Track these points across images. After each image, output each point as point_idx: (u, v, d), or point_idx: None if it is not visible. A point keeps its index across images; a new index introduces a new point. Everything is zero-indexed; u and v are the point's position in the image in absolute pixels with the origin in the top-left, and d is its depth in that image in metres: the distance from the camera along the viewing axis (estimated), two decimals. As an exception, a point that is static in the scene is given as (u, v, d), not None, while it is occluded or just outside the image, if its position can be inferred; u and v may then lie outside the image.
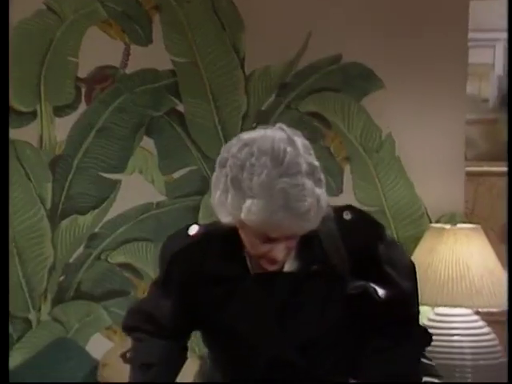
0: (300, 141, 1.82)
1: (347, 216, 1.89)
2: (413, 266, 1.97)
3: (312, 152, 1.83)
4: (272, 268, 1.83)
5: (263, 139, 1.80)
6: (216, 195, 1.80)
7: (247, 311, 1.84)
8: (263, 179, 1.74)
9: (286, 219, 1.75)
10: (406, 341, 1.90)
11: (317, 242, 1.87)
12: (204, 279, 1.85)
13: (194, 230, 1.92)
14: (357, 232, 1.88)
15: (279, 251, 1.79)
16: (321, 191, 1.81)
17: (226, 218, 1.80)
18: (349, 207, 1.91)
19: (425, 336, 1.97)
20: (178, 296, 1.87)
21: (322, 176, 1.83)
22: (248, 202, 1.74)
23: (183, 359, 1.96)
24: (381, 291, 1.86)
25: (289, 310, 1.84)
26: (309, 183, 1.77)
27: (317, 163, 1.82)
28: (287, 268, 1.86)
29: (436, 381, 2.15)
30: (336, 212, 1.90)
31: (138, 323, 1.95)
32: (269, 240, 1.79)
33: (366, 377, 1.88)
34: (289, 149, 1.79)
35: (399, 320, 1.89)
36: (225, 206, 1.79)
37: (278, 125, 1.85)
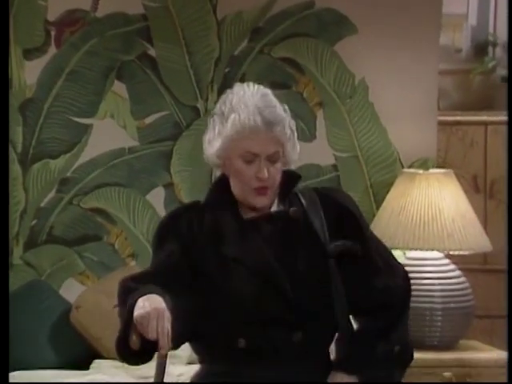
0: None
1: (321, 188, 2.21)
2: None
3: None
4: (261, 201, 2.09)
5: (240, 85, 2.15)
6: (206, 139, 2.12)
7: (242, 251, 2.09)
8: (241, 96, 2.10)
9: (261, 127, 2.05)
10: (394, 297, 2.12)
11: (296, 196, 2.15)
12: (201, 229, 2.11)
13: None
14: (333, 195, 2.17)
15: (264, 171, 2.07)
16: (294, 134, 2.12)
17: (214, 148, 2.10)
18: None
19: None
20: (177, 245, 2.10)
21: (294, 126, 2.12)
22: (231, 117, 2.07)
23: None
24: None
25: (279, 246, 2.09)
26: (281, 110, 2.11)
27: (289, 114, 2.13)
28: (273, 209, 2.13)
29: None
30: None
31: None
32: (252, 157, 2.07)
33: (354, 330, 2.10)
34: (262, 87, 2.12)
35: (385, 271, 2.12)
36: (213, 139, 2.10)
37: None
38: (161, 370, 2.05)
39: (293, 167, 2.15)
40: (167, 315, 2.01)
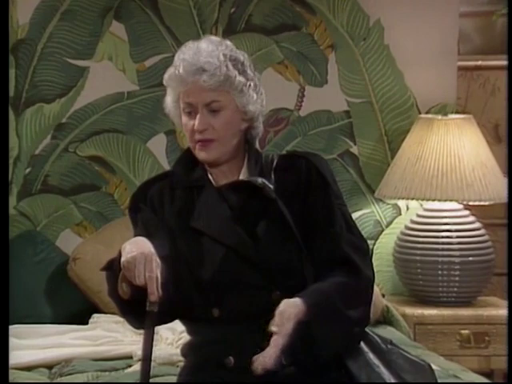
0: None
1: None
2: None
3: (246, 57, 2.23)
4: (203, 155, 2.19)
5: None
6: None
7: (209, 222, 2.20)
8: (178, 52, 2.25)
9: (184, 76, 2.17)
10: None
11: (261, 161, 2.25)
12: (171, 201, 2.23)
13: None
14: (305, 159, 2.23)
15: (198, 121, 2.16)
16: (235, 81, 2.18)
17: (168, 110, 2.24)
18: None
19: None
20: (151, 215, 2.22)
21: (252, 75, 2.21)
22: (165, 75, 2.25)
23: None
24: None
25: (245, 215, 2.19)
26: (216, 57, 2.19)
27: (244, 59, 2.21)
28: (241, 177, 2.24)
29: None
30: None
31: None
32: (190, 108, 2.18)
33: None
34: (214, 37, 2.28)
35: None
36: (166, 102, 2.26)
37: None
38: (151, 321, 2.03)
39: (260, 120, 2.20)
40: (155, 260, 2.05)
